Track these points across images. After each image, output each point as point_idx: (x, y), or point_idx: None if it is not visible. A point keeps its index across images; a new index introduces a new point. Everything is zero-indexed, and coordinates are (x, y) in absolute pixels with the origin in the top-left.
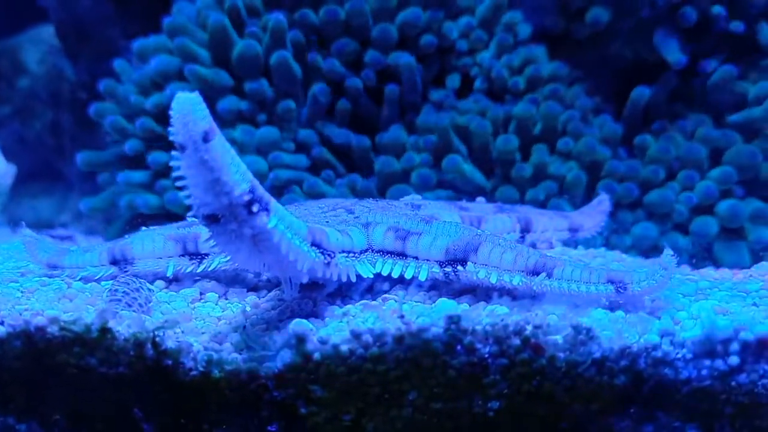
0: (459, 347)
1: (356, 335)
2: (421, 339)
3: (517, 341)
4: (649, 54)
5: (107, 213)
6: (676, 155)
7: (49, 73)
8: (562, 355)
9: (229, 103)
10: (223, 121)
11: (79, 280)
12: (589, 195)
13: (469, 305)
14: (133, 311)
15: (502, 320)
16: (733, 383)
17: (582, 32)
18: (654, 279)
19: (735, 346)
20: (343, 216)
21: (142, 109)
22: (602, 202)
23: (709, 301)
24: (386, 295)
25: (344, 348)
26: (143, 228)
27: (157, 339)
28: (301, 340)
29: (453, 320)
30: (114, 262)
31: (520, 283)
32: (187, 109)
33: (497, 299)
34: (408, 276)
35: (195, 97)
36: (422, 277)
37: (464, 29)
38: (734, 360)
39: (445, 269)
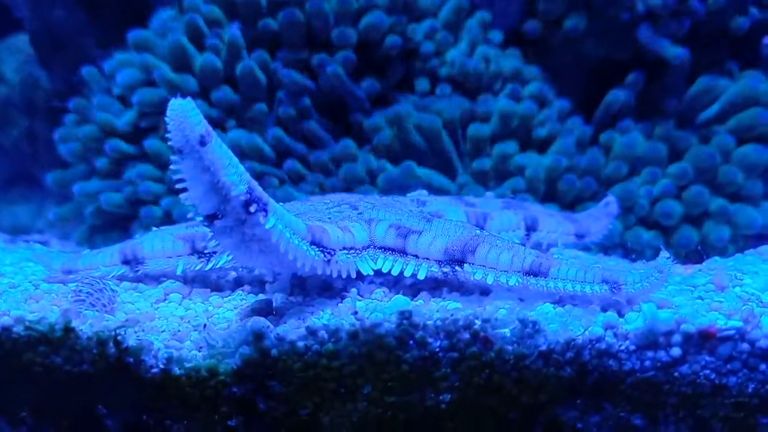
0: (411, 342)
1: (312, 331)
2: (375, 334)
3: (466, 335)
4: (622, 53)
5: (76, 220)
6: (638, 155)
7: (25, 81)
8: (510, 348)
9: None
10: None
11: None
12: (552, 192)
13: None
14: (97, 311)
15: (452, 315)
16: (676, 374)
17: (557, 37)
18: (648, 281)
19: (677, 338)
20: (347, 212)
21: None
22: (609, 204)
23: (657, 295)
24: (344, 293)
25: (300, 344)
26: (154, 228)
27: (119, 337)
28: (258, 337)
29: (405, 316)
30: (125, 261)
31: (517, 284)
32: (182, 114)
33: (447, 294)
34: (407, 274)
35: (188, 102)
36: (421, 276)
37: (428, 31)
38: (676, 351)
39: (444, 269)
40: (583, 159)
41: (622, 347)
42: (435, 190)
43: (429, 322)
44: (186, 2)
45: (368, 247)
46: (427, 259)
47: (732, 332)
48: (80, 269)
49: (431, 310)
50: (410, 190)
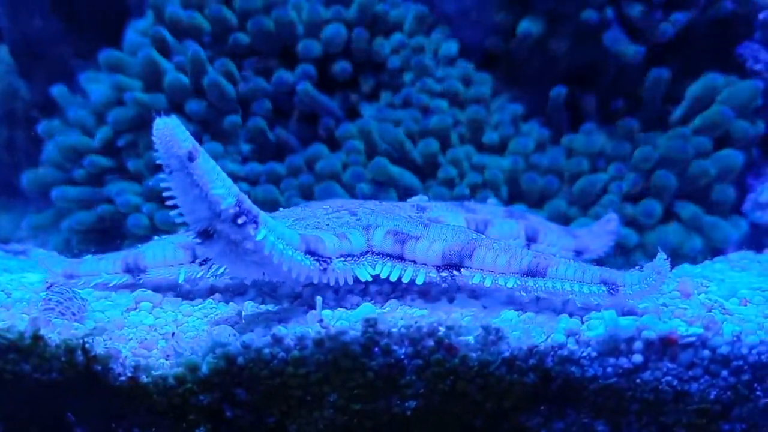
0: (376, 349)
1: (277, 339)
2: (340, 342)
3: (431, 342)
4: (585, 58)
5: (51, 230)
6: (600, 149)
7: (5, 91)
8: (474, 354)
9: None
10: None
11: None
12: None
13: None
14: (66, 320)
15: (416, 322)
16: (638, 380)
17: (521, 49)
18: (646, 283)
19: (638, 345)
20: (346, 218)
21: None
22: (610, 221)
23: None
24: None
25: (266, 352)
26: (156, 237)
27: (87, 345)
28: (225, 345)
29: (370, 323)
30: (128, 270)
31: (515, 286)
32: (169, 132)
33: (412, 301)
34: (405, 280)
35: (174, 120)
36: (419, 281)
37: (396, 46)
38: (638, 358)
39: (442, 274)
40: (545, 158)
41: (584, 354)
42: (404, 189)
43: (394, 330)
44: (167, 11)
45: (366, 253)
46: (425, 264)
47: (693, 339)
48: (82, 274)
49: (396, 317)
50: (380, 187)
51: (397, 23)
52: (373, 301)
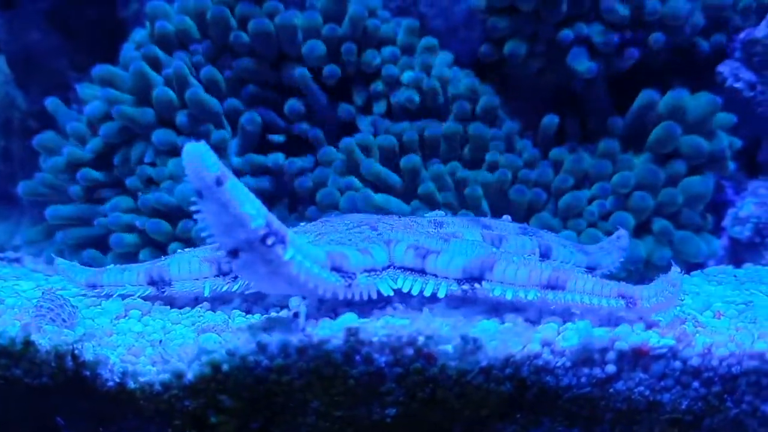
0: (357, 357)
1: (262, 347)
2: (323, 350)
3: (410, 351)
4: (565, 78)
5: (45, 243)
6: (585, 169)
7: (2, 101)
8: (452, 363)
9: (162, 135)
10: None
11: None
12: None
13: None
14: (57, 326)
15: (396, 331)
16: (611, 390)
17: (512, 62)
18: (663, 295)
19: (611, 355)
20: (367, 233)
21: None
22: (621, 238)
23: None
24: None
25: (251, 359)
26: (179, 251)
27: (76, 351)
28: (210, 352)
29: (351, 332)
30: (152, 282)
31: (536, 298)
32: (197, 158)
33: (394, 311)
34: (427, 293)
35: (202, 146)
36: (441, 295)
37: (389, 57)
38: (611, 368)
39: (463, 287)
40: (533, 173)
41: (559, 363)
42: (392, 213)
43: (374, 339)
44: (156, 25)
45: (388, 267)
46: (446, 278)
47: (664, 350)
48: (105, 285)
49: (377, 326)
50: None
51: (388, 38)
52: (357, 311)
